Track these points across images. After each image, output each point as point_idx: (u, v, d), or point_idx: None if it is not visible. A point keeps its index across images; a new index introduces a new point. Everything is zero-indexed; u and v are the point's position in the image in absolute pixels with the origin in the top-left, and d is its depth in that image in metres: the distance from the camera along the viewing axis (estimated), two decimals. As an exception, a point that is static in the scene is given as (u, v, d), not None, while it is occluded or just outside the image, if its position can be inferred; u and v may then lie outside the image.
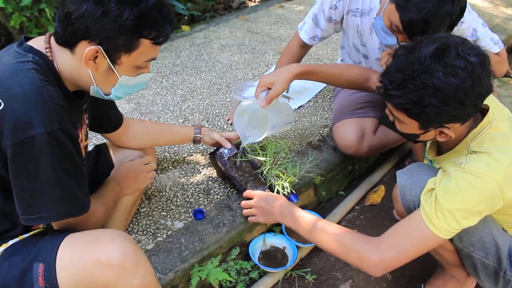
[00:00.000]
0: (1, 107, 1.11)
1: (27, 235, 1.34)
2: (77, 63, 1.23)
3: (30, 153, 1.12)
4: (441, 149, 1.59)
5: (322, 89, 2.72)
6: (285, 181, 1.85)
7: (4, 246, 1.28)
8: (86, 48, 1.18)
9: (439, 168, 1.50)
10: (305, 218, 1.62)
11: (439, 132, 1.38)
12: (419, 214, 1.41)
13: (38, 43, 1.26)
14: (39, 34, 3.03)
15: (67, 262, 1.19)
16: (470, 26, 1.96)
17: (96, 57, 1.21)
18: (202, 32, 3.41)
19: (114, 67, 1.24)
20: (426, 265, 1.91)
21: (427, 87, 1.26)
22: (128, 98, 2.50)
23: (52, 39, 1.26)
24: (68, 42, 1.20)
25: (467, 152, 1.42)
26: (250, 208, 1.79)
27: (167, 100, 2.53)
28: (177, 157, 2.14)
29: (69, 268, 1.18)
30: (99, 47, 1.18)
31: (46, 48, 1.24)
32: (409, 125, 1.39)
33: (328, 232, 1.54)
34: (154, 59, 1.30)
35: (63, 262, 1.19)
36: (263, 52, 3.14)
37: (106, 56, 1.21)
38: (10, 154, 1.12)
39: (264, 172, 1.87)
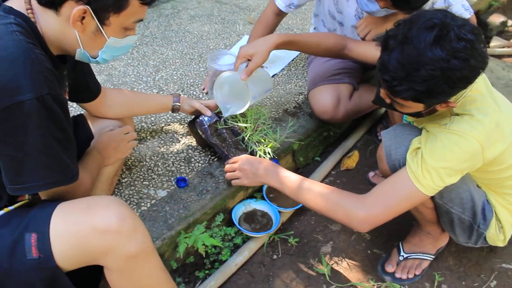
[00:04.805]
0: None
1: (12, 207, 1.30)
2: (63, 25, 1.18)
3: (18, 120, 1.07)
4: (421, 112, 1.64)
5: (295, 58, 2.73)
6: (266, 146, 1.86)
7: (-10, 219, 1.24)
8: (73, 8, 1.13)
9: (422, 129, 1.55)
10: (291, 178, 1.64)
11: (442, 105, 1.40)
12: (405, 173, 1.46)
13: (17, 4, 1.19)
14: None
15: (62, 230, 1.16)
16: (442, -8, 2.00)
17: (84, 17, 1.16)
18: (169, 3, 3.32)
19: (102, 28, 1.21)
20: (401, 224, 1.98)
21: (434, 77, 1.25)
22: (99, 69, 2.43)
23: (33, 0, 1.20)
24: (53, 2, 1.15)
25: (450, 114, 1.47)
26: (233, 171, 1.79)
27: (139, 71, 2.48)
28: (154, 127, 2.12)
29: (64, 236, 1.16)
30: (88, 7, 1.14)
31: (27, 10, 1.18)
32: (414, 107, 1.40)
33: (315, 191, 1.57)
34: (141, 20, 1.27)
35: (57, 231, 1.16)
36: (233, 22, 3.11)
37: (94, 17, 1.16)
38: None
39: (246, 138, 1.87)
